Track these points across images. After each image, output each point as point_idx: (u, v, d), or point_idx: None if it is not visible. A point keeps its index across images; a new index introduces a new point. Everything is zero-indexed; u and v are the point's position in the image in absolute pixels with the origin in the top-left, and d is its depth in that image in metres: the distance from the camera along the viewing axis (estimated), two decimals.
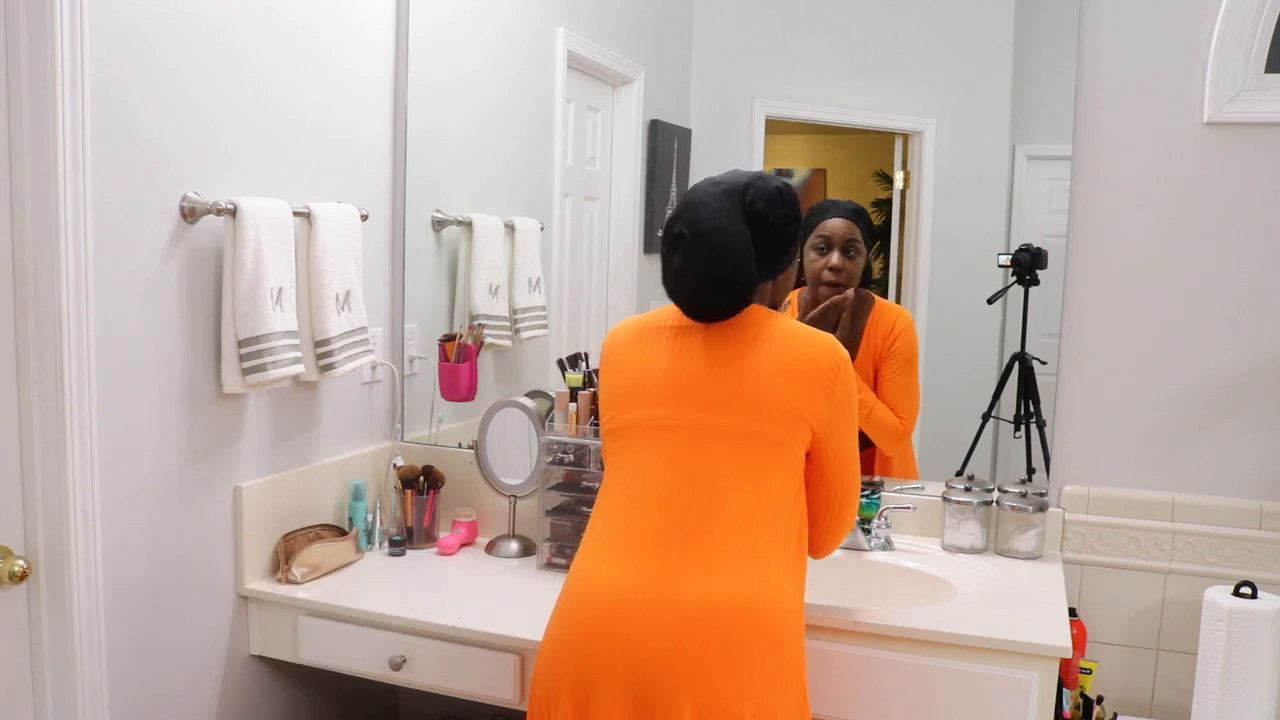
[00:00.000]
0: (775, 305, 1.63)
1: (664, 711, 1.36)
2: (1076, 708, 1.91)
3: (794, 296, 2.20)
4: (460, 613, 1.89)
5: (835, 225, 2.13)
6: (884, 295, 2.25)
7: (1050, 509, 2.06)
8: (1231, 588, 1.76)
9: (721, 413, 1.47)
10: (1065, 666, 1.76)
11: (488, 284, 2.45)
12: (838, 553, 2.05)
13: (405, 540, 2.25)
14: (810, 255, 2.16)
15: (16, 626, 1.64)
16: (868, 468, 2.22)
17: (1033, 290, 2.10)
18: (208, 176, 1.85)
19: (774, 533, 1.44)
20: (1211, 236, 1.97)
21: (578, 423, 2.18)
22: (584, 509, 2.14)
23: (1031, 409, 2.12)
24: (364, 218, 2.16)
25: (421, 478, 2.30)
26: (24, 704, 1.66)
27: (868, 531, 2.07)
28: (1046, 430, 2.10)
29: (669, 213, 1.60)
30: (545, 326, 2.55)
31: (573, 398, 2.19)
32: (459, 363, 2.36)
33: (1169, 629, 2.02)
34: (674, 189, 2.46)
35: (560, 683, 1.44)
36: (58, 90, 1.55)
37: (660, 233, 1.58)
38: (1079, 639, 1.86)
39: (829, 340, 1.52)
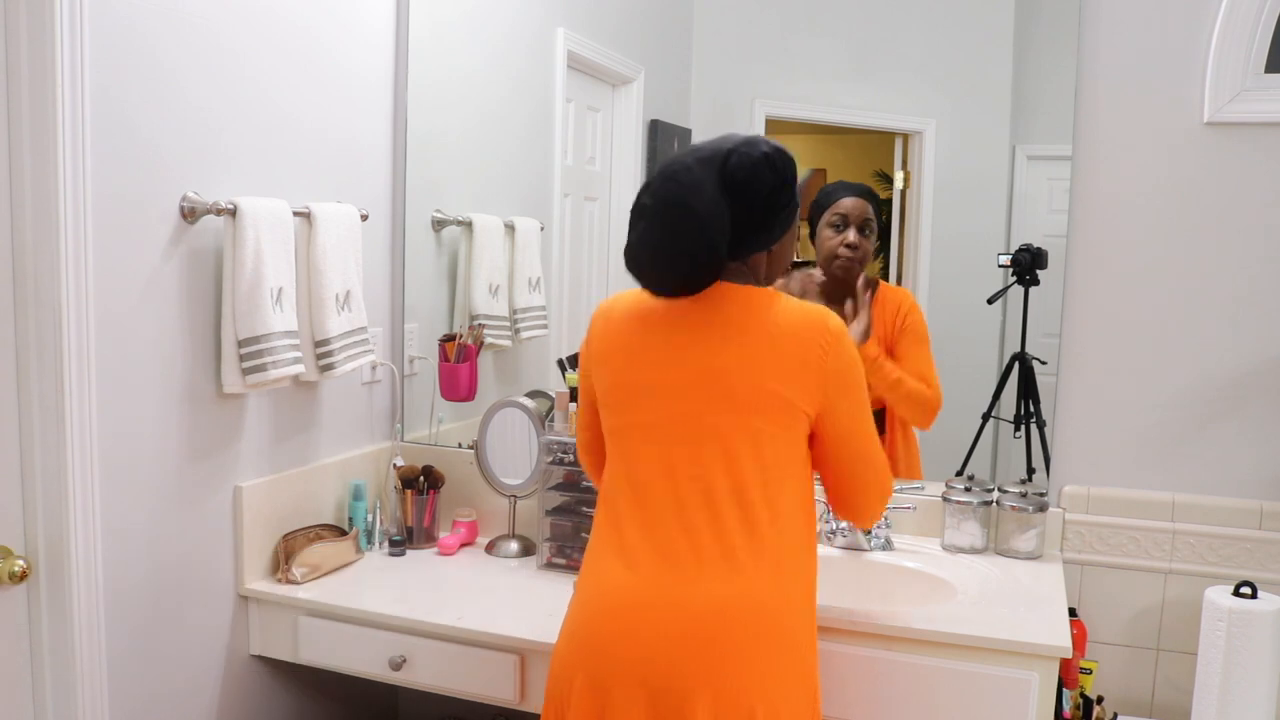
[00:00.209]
0: (772, 279, 1.57)
1: (679, 710, 1.37)
2: (1076, 708, 1.91)
3: (804, 277, 2.22)
4: (460, 613, 1.89)
5: (851, 204, 2.15)
6: None
7: (1050, 509, 2.06)
8: (1231, 588, 1.76)
9: (715, 414, 1.44)
10: (1065, 666, 1.76)
11: (488, 284, 2.45)
12: (838, 553, 2.05)
13: (405, 540, 2.25)
14: (826, 233, 2.17)
15: (16, 626, 1.64)
16: None
17: (1033, 290, 2.10)
18: (208, 176, 1.85)
19: (780, 530, 1.44)
20: (1211, 236, 1.97)
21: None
22: (584, 509, 2.14)
23: (1031, 409, 2.12)
24: (364, 218, 2.16)
25: (421, 478, 2.30)
26: (24, 704, 1.66)
27: (868, 531, 2.07)
28: (1046, 430, 2.10)
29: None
30: (545, 326, 2.55)
31: (573, 398, 2.19)
32: (459, 363, 2.36)
33: (1169, 629, 2.02)
34: None
35: (575, 682, 1.45)
36: (58, 90, 1.55)
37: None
38: (1079, 639, 1.86)
39: (818, 315, 1.46)
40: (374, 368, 2.35)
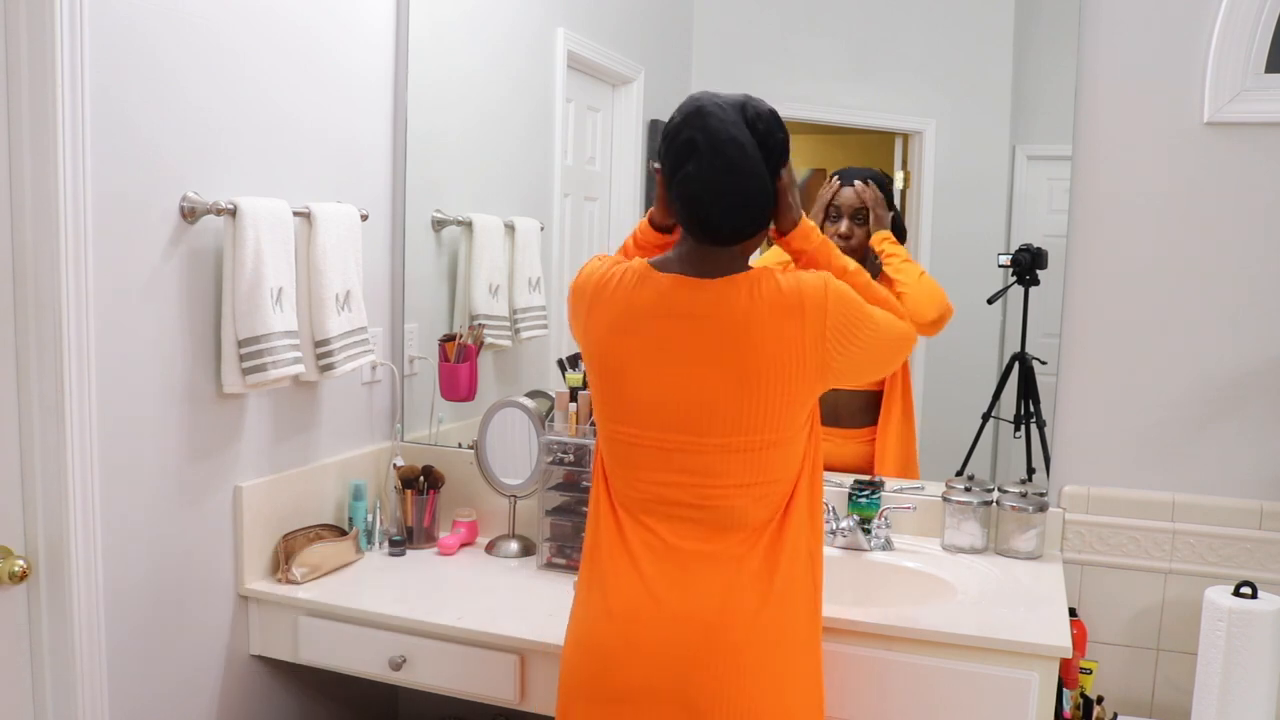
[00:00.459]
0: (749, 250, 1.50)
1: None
2: (1076, 708, 1.91)
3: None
4: (460, 613, 1.89)
5: (844, 194, 2.16)
6: None
7: (1050, 509, 2.06)
8: (1231, 588, 1.76)
9: (715, 435, 1.41)
10: (1065, 666, 1.76)
11: (488, 284, 2.45)
12: (838, 553, 2.05)
13: (405, 540, 2.25)
14: (820, 222, 2.19)
15: (16, 626, 1.64)
16: (863, 469, 2.22)
17: (1033, 290, 2.10)
18: (208, 176, 1.85)
19: (785, 537, 1.43)
20: (1211, 236, 1.96)
21: (578, 423, 2.18)
22: (584, 509, 2.13)
23: (1031, 409, 2.12)
24: (364, 218, 2.16)
25: (421, 478, 2.30)
26: (24, 704, 1.66)
27: (868, 531, 2.07)
28: (1046, 430, 2.10)
29: (670, 122, 1.43)
30: (545, 326, 2.55)
31: (573, 398, 2.19)
32: (459, 363, 2.36)
33: (1169, 629, 2.02)
34: None
35: (584, 694, 1.46)
36: (58, 90, 1.55)
37: (661, 141, 1.44)
38: (1079, 639, 1.86)
39: (795, 299, 1.38)
40: (374, 368, 2.35)
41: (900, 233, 2.18)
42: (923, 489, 2.15)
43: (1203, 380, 2.00)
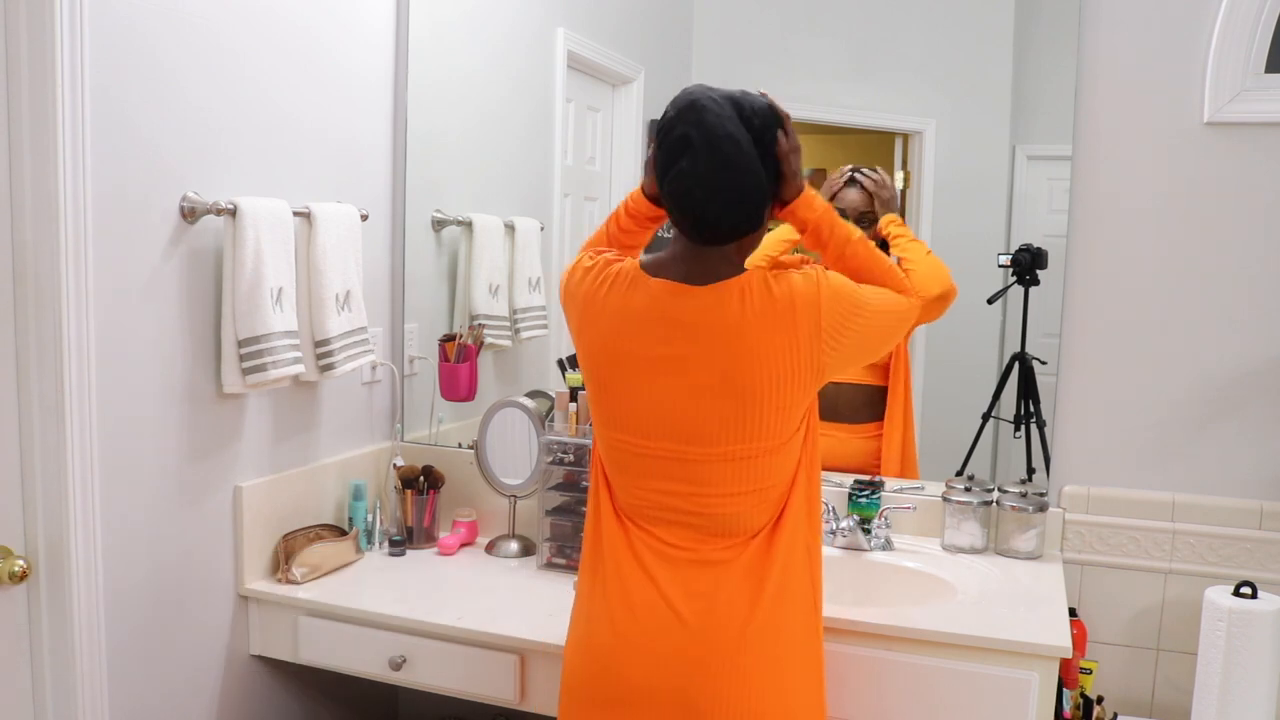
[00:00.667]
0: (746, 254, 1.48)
1: None
2: (1076, 708, 1.91)
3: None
4: (460, 613, 1.89)
5: (849, 197, 2.15)
6: None
7: (1050, 509, 2.06)
8: (1231, 588, 1.76)
9: (711, 444, 1.40)
10: (1065, 666, 1.76)
11: (488, 284, 2.45)
12: (838, 553, 2.05)
13: (405, 540, 2.25)
14: None
15: (16, 626, 1.64)
16: (865, 465, 2.22)
17: (1033, 290, 2.10)
18: (208, 176, 1.85)
19: (784, 543, 1.43)
20: (1211, 236, 1.96)
21: (578, 423, 2.18)
22: (584, 509, 2.13)
23: (1031, 409, 2.12)
24: (364, 218, 2.16)
25: (421, 478, 2.30)
26: (24, 704, 1.66)
27: (868, 531, 2.07)
28: (1046, 430, 2.10)
29: (663, 117, 1.40)
30: (545, 326, 2.55)
31: (573, 398, 2.19)
32: (459, 363, 2.36)
33: (1169, 629, 2.02)
34: None
35: (584, 695, 1.46)
36: (58, 90, 1.55)
37: (653, 135, 1.40)
38: (1079, 639, 1.86)
39: (799, 292, 1.36)
40: (374, 368, 2.35)
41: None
42: (923, 489, 2.14)
43: (1203, 380, 2.00)
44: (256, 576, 2.03)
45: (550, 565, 2.16)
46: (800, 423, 1.43)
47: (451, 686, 1.88)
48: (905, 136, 2.25)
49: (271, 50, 1.98)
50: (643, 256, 1.48)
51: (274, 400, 2.06)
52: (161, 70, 1.74)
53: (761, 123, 1.38)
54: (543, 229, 2.52)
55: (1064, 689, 1.82)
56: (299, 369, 1.93)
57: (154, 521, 1.81)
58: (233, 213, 1.82)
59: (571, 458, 2.16)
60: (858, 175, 2.15)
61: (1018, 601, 1.81)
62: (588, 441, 2.15)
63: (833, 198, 2.17)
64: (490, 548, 2.27)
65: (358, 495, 2.24)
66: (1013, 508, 2.03)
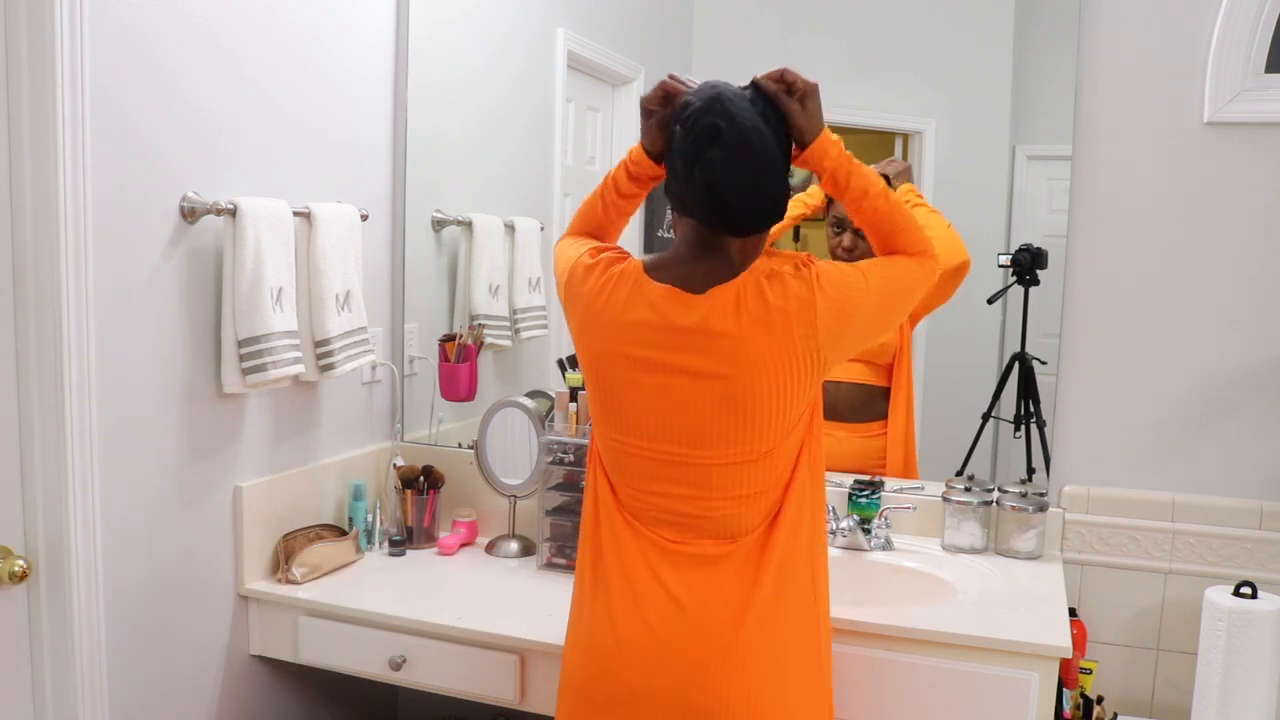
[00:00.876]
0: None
1: None
2: (1076, 708, 1.91)
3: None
4: (460, 613, 1.89)
5: None
6: None
7: (1050, 509, 2.06)
8: (1231, 588, 1.76)
9: (710, 448, 1.40)
10: (1065, 666, 1.76)
11: (488, 284, 2.45)
12: (838, 553, 2.04)
13: (405, 540, 2.25)
14: (828, 232, 2.18)
15: (16, 626, 1.64)
16: (868, 464, 2.22)
17: (1033, 290, 2.10)
18: (208, 176, 1.85)
19: (786, 544, 1.42)
20: (1211, 236, 1.96)
21: (578, 423, 2.18)
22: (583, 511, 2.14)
23: (1031, 409, 2.12)
24: (364, 218, 2.16)
25: (421, 478, 2.30)
26: (24, 704, 1.66)
27: (868, 531, 2.07)
28: (1046, 430, 2.10)
29: (686, 107, 1.39)
30: (545, 326, 2.55)
31: (573, 398, 2.19)
32: (459, 363, 2.36)
33: (1169, 629, 2.02)
34: None
35: (584, 694, 1.47)
36: (58, 90, 1.55)
37: (677, 127, 1.40)
38: (1079, 639, 1.86)
39: (794, 297, 1.36)
40: (374, 368, 2.35)
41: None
42: (923, 489, 2.14)
43: (1203, 380, 2.00)
44: (256, 576, 2.03)
45: (550, 565, 2.16)
46: (800, 419, 1.43)
47: (451, 686, 1.88)
48: (905, 136, 2.25)
49: (271, 50, 1.98)
50: (644, 257, 1.48)
51: (274, 400, 2.06)
52: (161, 70, 1.74)
53: (778, 118, 1.40)
54: (543, 229, 2.52)
55: (1064, 689, 1.82)
56: (299, 369, 1.93)
57: (154, 521, 1.81)
58: (233, 213, 1.82)
59: (571, 458, 2.16)
60: None
61: (1018, 601, 1.81)
62: (587, 441, 2.14)
63: (831, 209, 2.17)
64: (490, 548, 2.27)
65: (358, 495, 2.24)
66: (1013, 508, 2.03)
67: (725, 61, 2.39)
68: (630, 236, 2.47)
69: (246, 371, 1.85)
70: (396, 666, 1.89)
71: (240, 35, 1.90)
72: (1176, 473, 2.02)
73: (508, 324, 2.51)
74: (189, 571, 1.89)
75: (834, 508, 2.10)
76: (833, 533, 2.08)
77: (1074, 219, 2.04)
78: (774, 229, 1.47)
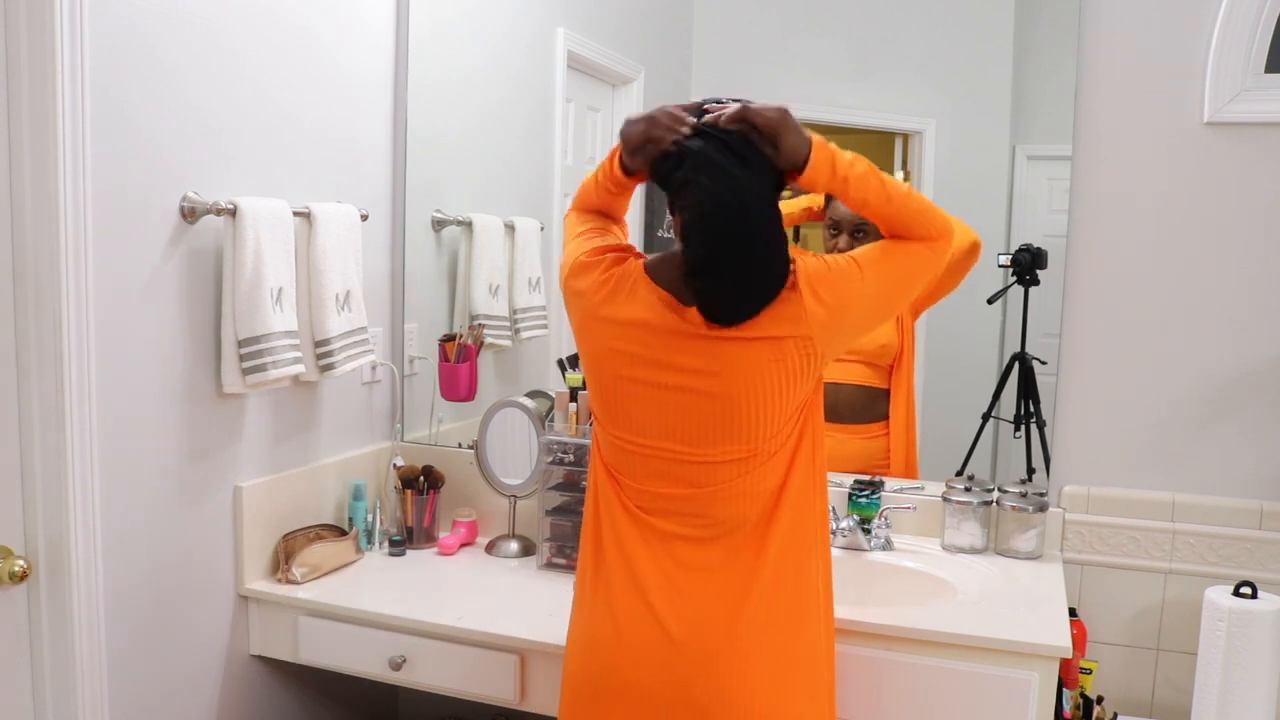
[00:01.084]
0: None
1: None
2: (1076, 708, 1.91)
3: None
4: (460, 613, 1.89)
5: (844, 209, 2.12)
6: None
7: (1050, 509, 2.06)
8: (1231, 588, 1.76)
9: (709, 447, 1.40)
10: (1065, 666, 1.76)
11: (488, 284, 2.45)
12: (838, 553, 2.04)
13: (405, 540, 2.25)
14: (825, 235, 2.18)
15: (16, 626, 1.64)
16: (870, 465, 2.22)
17: (1033, 290, 2.10)
18: (208, 176, 1.85)
19: (783, 545, 1.42)
20: (1212, 236, 1.96)
21: (578, 423, 2.18)
22: (583, 509, 2.14)
23: (1031, 409, 2.12)
24: (364, 218, 2.16)
25: (421, 478, 2.29)
26: (24, 704, 1.66)
27: (868, 531, 2.07)
28: (1046, 430, 2.10)
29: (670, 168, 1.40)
30: (545, 326, 2.55)
31: (573, 398, 2.19)
32: (459, 363, 2.36)
33: (1169, 629, 2.02)
34: None
35: (585, 691, 1.47)
36: (58, 90, 1.55)
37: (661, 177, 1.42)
38: (1079, 639, 1.86)
39: (786, 303, 1.37)
40: (374, 368, 2.35)
41: None
42: (923, 489, 2.14)
43: (1203, 380, 2.00)
44: (256, 576, 2.03)
45: (550, 565, 2.16)
46: (798, 412, 1.42)
47: (451, 686, 1.88)
48: (905, 136, 2.25)
49: (271, 50, 1.98)
50: (648, 256, 1.49)
51: (274, 400, 2.06)
52: (161, 70, 1.74)
53: (747, 151, 1.36)
54: (543, 229, 2.52)
55: (1064, 689, 1.82)
56: (299, 369, 1.93)
57: (154, 521, 1.81)
58: (233, 213, 1.82)
59: (571, 458, 2.16)
60: None
61: (1018, 601, 1.81)
62: (588, 441, 2.14)
63: (828, 209, 2.16)
64: (490, 548, 2.27)
65: (358, 495, 2.24)
66: (1013, 508, 2.03)
67: (725, 61, 2.39)
68: (630, 236, 2.48)
69: (246, 371, 1.85)
70: (396, 666, 1.89)
71: (240, 35, 1.90)
72: (1176, 473, 2.02)
73: (508, 324, 2.51)
74: (189, 571, 1.89)
75: (834, 508, 2.10)
76: (833, 533, 2.07)
77: (1074, 219, 2.04)
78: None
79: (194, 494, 1.89)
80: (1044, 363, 2.10)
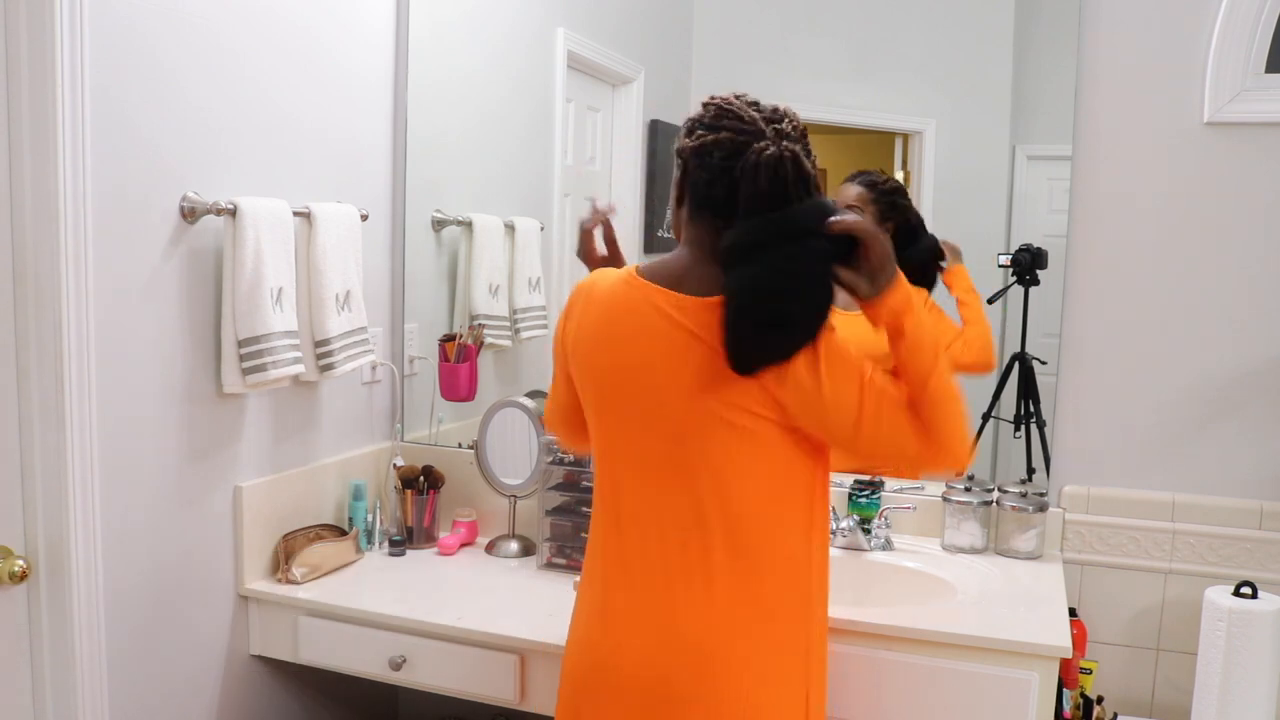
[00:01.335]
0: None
1: None
2: (1076, 708, 1.91)
3: None
4: (460, 613, 1.89)
5: (847, 196, 2.13)
6: None
7: (1050, 509, 2.06)
8: (1231, 588, 1.76)
9: (698, 438, 1.38)
10: (1065, 666, 1.76)
11: (488, 284, 2.45)
12: (838, 553, 2.04)
13: (405, 540, 2.25)
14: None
15: (16, 626, 1.64)
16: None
17: (1033, 290, 2.10)
18: (208, 176, 1.85)
19: (773, 546, 1.41)
20: (1211, 236, 1.97)
21: None
22: (584, 509, 2.14)
23: (1031, 409, 2.12)
24: (364, 218, 2.16)
25: (421, 478, 2.30)
26: (24, 704, 1.66)
27: (868, 531, 2.07)
28: (1046, 430, 2.10)
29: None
30: (545, 326, 2.55)
31: None
32: (459, 363, 2.36)
33: (1169, 629, 2.02)
34: None
35: (577, 689, 1.47)
36: (58, 90, 1.55)
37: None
38: (1079, 639, 1.86)
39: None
40: (374, 368, 2.35)
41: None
42: (923, 489, 2.14)
43: (1203, 380, 2.00)
44: (256, 576, 2.03)
45: (550, 565, 2.16)
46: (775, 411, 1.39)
47: (451, 686, 1.88)
48: (905, 136, 2.25)
49: (271, 50, 1.98)
50: (639, 263, 1.48)
51: (274, 400, 2.06)
52: (161, 70, 1.74)
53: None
54: (543, 229, 2.52)
55: (1064, 689, 1.82)
56: (299, 369, 1.93)
57: (154, 521, 1.81)
58: (233, 213, 1.82)
59: (571, 458, 2.16)
60: (849, 183, 2.14)
61: (1018, 601, 1.81)
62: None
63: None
64: (490, 548, 2.27)
65: (358, 495, 2.24)
66: (1013, 508, 2.03)
67: (725, 62, 2.39)
68: (630, 236, 2.48)
69: (246, 371, 1.85)
70: (396, 666, 1.89)
71: (240, 35, 1.90)
72: (1176, 473, 2.02)
73: (508, 324, 2.51)
74: (189, 571, 1.89)
75: (834, 508, 2.10)
76: (833, 533, 2.07)
77: (1074, 219, 2.04)
78: None
79: (194, 494, 1.89)
80: (1044, 363, 2.10)
